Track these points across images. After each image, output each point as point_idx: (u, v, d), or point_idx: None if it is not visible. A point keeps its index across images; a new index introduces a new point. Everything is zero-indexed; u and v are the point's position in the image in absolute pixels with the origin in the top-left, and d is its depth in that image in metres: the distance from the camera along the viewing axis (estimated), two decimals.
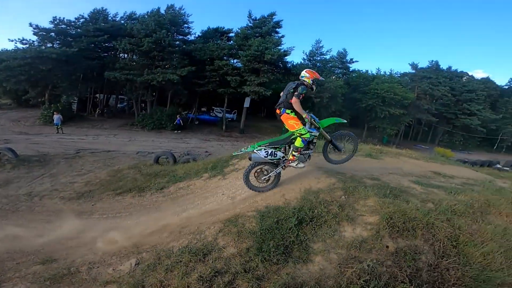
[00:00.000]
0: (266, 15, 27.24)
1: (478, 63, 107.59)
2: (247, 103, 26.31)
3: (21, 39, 24.28)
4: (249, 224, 4.24)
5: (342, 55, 35.47)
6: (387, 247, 3.52)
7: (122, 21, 28.79)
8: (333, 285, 3.10)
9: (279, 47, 25.45)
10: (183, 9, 27.65)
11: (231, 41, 28.93)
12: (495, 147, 47.94)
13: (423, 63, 50.84)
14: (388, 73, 39.77)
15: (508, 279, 3.34)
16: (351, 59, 36.01)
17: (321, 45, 30.74)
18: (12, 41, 24.43)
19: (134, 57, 27.23)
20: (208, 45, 26.72)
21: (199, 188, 7.98)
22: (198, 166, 9.78)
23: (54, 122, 20.08)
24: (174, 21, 26.49)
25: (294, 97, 4.51)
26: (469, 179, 6.22)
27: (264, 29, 26.75)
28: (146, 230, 5.52)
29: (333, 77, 32.29)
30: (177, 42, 27.51)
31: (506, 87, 53.89)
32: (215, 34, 29.49)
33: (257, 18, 27.49)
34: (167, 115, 24.73)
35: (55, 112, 20.92)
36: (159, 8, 26.75)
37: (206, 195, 7.19)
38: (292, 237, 3.78)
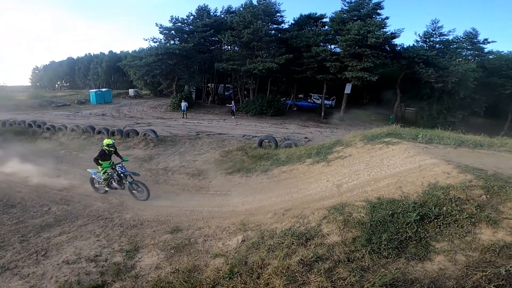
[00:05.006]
0: None
1: None
2: (348, 89, 24.72)
3: (153, 38, 29.45)
4: (357, 214, 4.16)
5: (471, 35, 28.37)
6: None
7: (222, 15, 31.36)
8: (453, 286, 2.81)
9: (384, 30, 22.82)
10: None
11: (326, 27, 27.59)
12: None
13: None
14: None
15: None
16: (486, 39, 28.37)
17: (439, 25, 25.42)
18: (146, 40, 29.63)
19: (236, 48, 29.40)
20: (303, 32, 26.28)
21: (302, 173, 8.19)
22: (300, 151, 9.98)
23: (182, 108, 24.21)
24: (268, 11, 27.03)
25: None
26: None
27: (363, 11, 24.40)
28: (251, 209, 6.04)
29: (459, 59, 26.40)
30: (273, 32, 28.03)
31: None
32: (308, 20, 28.63)
33: (353, 1, 25.31)
34: (267, 102, 26.00)
35: (183, 100, 25.18)
36: (251, 0, 27.75)
37: (309, 180, 7.34)
38: (410, 233, 3.54)
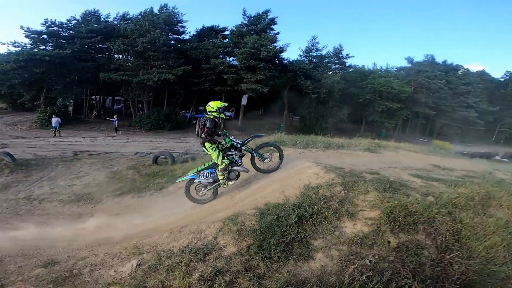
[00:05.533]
0: (260, 13, 27.29)
1: (474, 56, 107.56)
2: (244, 100, 26.27)
3: (13, 42, 24.15)
4: (249, 222, 4.20)
5: (338, 51, 35.24)
6: (389, 242, 3.49)
7: (115, 22, 28.62)
8: (335, 282, 3.08)
9: (274, 44, 25.51)
10: (176, 8, 27.53)
11: (227, 39, 28.94)
12: (493, 139, 48.05)
13: (419, 57, 50.34)
14: (384, 68, 39.79)
15: None
16: (347, 55, 35.83)
17: (316, 41, 30.57)
18: (4, 44, 24.22)
19: (129, 57, 27.07)
20: (203, 44, 26.72)
21: None
22: (197, 165, 9.61)
23: (53, 125, 19.95)
24: (168, 20, 26.39)
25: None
26: (469, 172, 6.19)
27: (259, 26, 26.87)
28: (145, 230, 5.54)
29: (330, 72, 32.20)
30: (172, 42, 27.52)
31: (502, 79, 54.09)
32: (210, 32, 29.38)
33: (252, 16, 27.57)
34: (164, 115, 24.65)
35: (53, 115, 20.75)
36: (152, 8, 26.58)
37: None
38: (293, 234, 3.74)
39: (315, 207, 4.11)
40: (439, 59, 47.46)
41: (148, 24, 24.04)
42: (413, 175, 5.18)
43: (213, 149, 5.42)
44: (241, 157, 5.75)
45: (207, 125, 5.27)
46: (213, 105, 5.40)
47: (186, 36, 29.31)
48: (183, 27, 28.68)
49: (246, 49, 23.81)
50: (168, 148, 15.81)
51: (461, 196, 4.23)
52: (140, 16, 26.40)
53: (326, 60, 32.16)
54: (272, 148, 6.12)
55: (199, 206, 6.40)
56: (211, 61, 25.16)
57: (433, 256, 3.39)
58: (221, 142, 5.66)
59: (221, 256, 3.66)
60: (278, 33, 27.41)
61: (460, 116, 43.14)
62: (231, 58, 28.30)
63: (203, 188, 5.93)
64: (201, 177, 5.79)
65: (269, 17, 27.38)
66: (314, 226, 3.89)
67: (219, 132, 5.91)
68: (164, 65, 24.74)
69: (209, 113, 5.42)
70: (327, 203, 4.16)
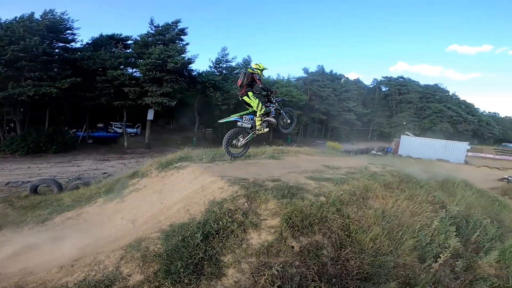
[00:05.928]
0: (170, 22, 26.39)
1: (352, 66, 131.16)
2: (150, 115, 24.51)
3: None
4: (154, 247, 3.91)
5: (247, 62, 37.10)
6: (293, 247, 3.67)
7: None
8: None
9: (183, 55, 24.93)
10: (66, 14, 23.88)
11: (130, 49, 26.75)
12: (369, 136, 59.83)
13: (313, 68, 58.00)
14: (286, 78, 44.39)
15: (399, 261, 3.91)
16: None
17: (226, 52, 31.39)
18: None
19: None
20: (98, 54, 23.90)
21: (93, 215, 7.21)
22: (90, 191, 8.81)
23: None
24: (53, 27, 22.85)
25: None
26: (351, 168, 7.26)
27: (168, 36, 25.88)
28: (28, 267, 4.70)
29: None
30: (57, 50, 23.73)
31: (371, 86, 68.91)
32: (109, 41, 26.52)
33: (160, 25, 26.32)
34: (47, 136, 20.53)
35: None
36: (33, 13, 22.33)
37: (102, 222, 6.55)
38: (201, 253, 3.60)
39: (221, 222, 4.05)
40: (327, 69, 56.29)
41: (23, 30, 20.27)
42: (308, 177, 5.72)
43: (255, 97, 6.19)
44: (276, 110, 6.52)
45: (258, 78, 6.14)
46: (261, 64, 6.40)
47: (78, 45, 25.66)
48: (73, 34, 24.95)
49: (151, 60, 22.47)
50: (54, 174, 13.43)
51: (345, 192, 4.86)
52: (14, 22, 21.71)
53: (236, 71, 33.41)
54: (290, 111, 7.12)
55: (94, 236, 5.61)
56: (109, 72, 22.64)
57: (332, 255, 3.74)
58: (272, 90, 6.45)
59: (126, 286, 3.40)
60: (187, 44, 26.87)
61: (344, 119, 52.23)
62: (133, 70, 26.13)
63: (241, 139, 6.56)
64: (243, 120, 6.47)
65: (179, 27, 26.65)
66: (222, 242, 3.83)
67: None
68: (45, 77, 20.83)
69: (254, 69, 6.25)
70: (232, 216, 4.13)
